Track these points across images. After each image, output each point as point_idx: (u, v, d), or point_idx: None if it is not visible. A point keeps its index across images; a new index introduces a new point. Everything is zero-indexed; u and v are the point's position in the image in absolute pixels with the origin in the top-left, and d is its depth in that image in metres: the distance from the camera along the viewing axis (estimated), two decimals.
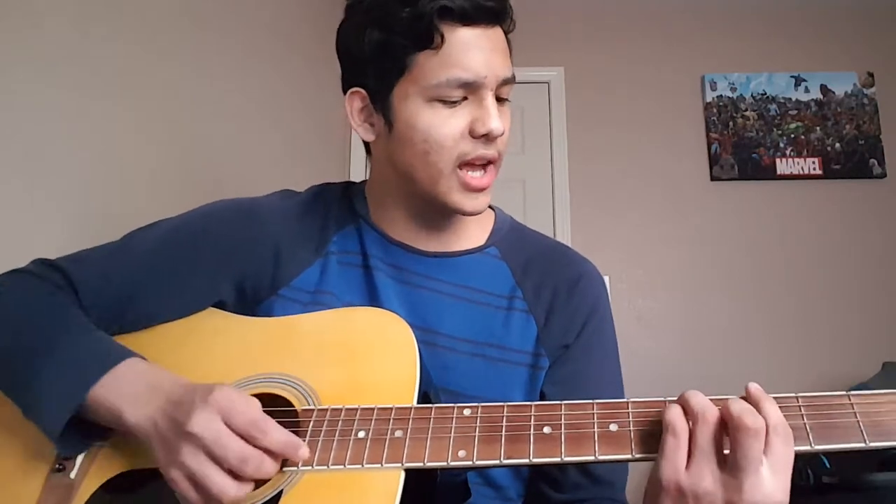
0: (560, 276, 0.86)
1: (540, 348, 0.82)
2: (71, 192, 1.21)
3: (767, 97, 3.04)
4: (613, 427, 0.58)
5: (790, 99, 3.04)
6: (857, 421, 0.55)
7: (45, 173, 1.15)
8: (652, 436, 0.57)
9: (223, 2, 1.81)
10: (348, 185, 0.93)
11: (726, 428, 0.53)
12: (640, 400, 0.60)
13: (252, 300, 0.82)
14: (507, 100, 0.79)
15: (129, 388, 0.63)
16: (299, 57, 2.33)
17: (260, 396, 0.68)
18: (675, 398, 0.58)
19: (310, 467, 0.61)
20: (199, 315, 0.80)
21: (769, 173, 2.97)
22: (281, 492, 0.60)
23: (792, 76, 3.05)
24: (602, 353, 0.86)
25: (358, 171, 2.85)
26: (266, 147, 2.07)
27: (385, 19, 0.74)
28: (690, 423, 0.54)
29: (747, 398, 0.56)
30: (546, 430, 0.59)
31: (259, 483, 0.61)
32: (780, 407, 0.54)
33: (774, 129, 3.01)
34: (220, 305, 0.82)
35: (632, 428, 0.58)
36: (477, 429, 0.60)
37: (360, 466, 0.60)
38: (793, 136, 3.00)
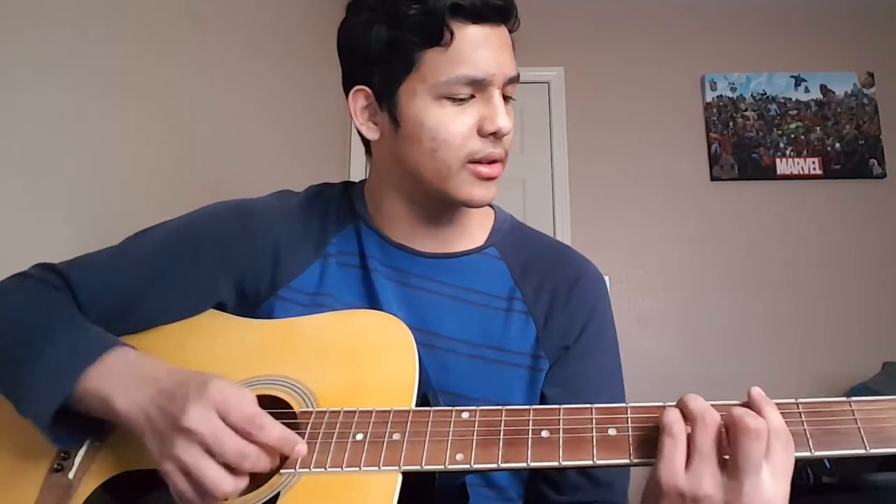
0: (560, 277, 0.85)
1: (539, 349, 0.82)
2: (71, 192, 1.21)
3: (767, 97, 3.04)
4: (612, 431, 0.58)
5: (790, 99, 3.04)
6: (858, 427, 0.55)
7: (45, 173, 1.15)
8: (650, 440, 0.57)
9: (223, 2, 1.81)
10: (347, 185, 0.93)
11: (726, 432, 0.53)
12: (639, 405, 0.59)
13: (252, 301, 0.82)
14: (511, 98, 0.79)
15: (118, 377, 0.63)
16: (299, 57, 2.33)
17: (259, 398, 0.68)
18: (674, 402, 0.57)
19: (307, 469, 0.61)
20: (199, 317, 0.80)
21: (769, 173, 2.97)
22: (278, 494, 0.60)
23: (792, 76, 3.05)
24: (602, 353, 0.85)
25: (358, 171, 2.85)
26: (266, 147, 2.07)
27: (393, 16, 0.73)
28: (689, 426, 0.54)
29: (749, 402, 0.55)
30: (544, 433, 0.59)
31: (256, 484, 0.61)
32: (780, 413, 0.54)
33: (774, 129, 3.00)
34: (221, 306, 0.82)
35: (630, 433, 0.58)
36: (475, 432, 0.60)
37: (357, 469, 0.60)
38: (793, 136, 3.00)
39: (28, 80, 1.10)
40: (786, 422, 0.54)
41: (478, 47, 0.73)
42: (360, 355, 0.71)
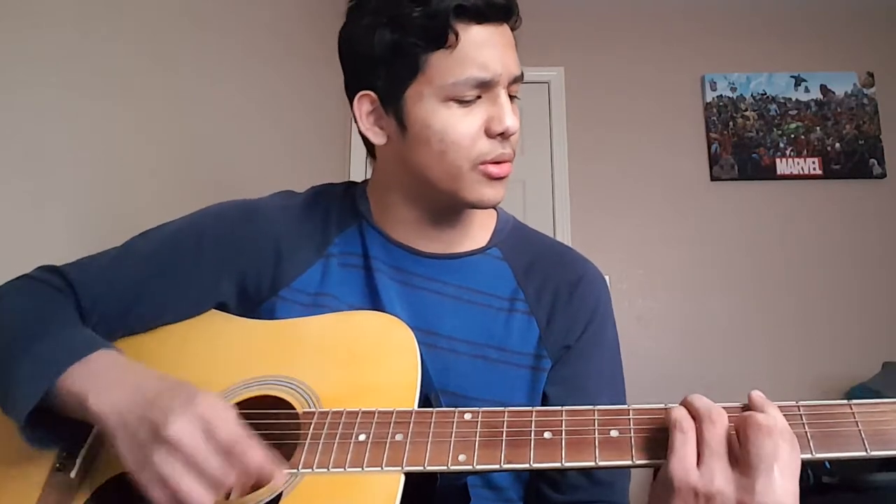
0: (562, 278, 0.85)
1: (542, 350, 0.82)
2: (71, 192, 1.21)
3: (767, 97, 3.04)
4: (614, 433, 0.58)
5: (790, 99, 3.04)
6: (859, 430, 0.55)
7: (45, 173, 1.15)
8: (652, 442, 0.57)
9: (223, 2, 1.81)
10: (349, 186, 0.92)
11: (735, 431, 0.53)
12: (641, 407, 0.59)
13: (254, 300, 0.82)
14: (516, 97, 0.79)
15: (99, 378, 0.62)
16: (299, 57, 2.33)
17: (261, 398, 0.69)
18: (676, 403, 0.58)
19: (310, 470, 0.61)
20: (200, 317, 0.81)
21: (769, 173, 2.97)
22: (280, 494, 0.60)
23: (792, 76, 3.05)
24: (603, 353, 0.86)
25: (358, 171, 2.85)
26: (266, 147, 2.07)
27: (396, 20, 0.73)
28: (696, 423, 0.54)
29: (751, 405, 0.56)
30: (547, 435, 0.59)
31: (257, 485, 0.61)
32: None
33: (774, 129, 3.00)
34: (222, 306, 0.82)
35: (633, 434, 0.58)
36: (477, 433, 0.60)
37: (360, 469, 0.60)
38: (793, 136, 3.00)
39: (28, 80, 1.10)
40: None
41: (483, 48, 0.73)
42: (362, 356, 0.71)
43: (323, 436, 0.63)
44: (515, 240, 0.90)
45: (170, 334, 0.79)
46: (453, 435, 0.61)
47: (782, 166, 2.97)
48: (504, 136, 0.75)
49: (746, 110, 3.03)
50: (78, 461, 0.66)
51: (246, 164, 1.92)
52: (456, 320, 0.81)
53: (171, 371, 0.66)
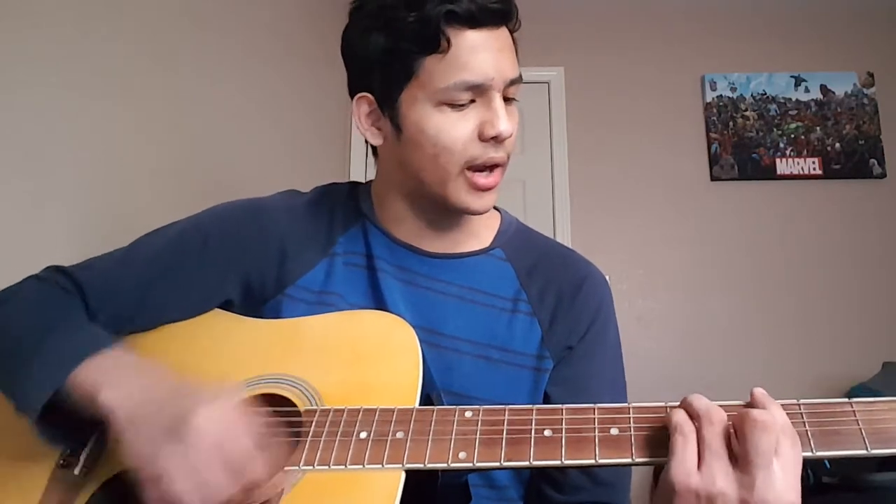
0: (564, 279, 0.86)
1: (544, 350, 0.82)
2: (71, 192, 1.21)
3: (767, 97, 3.04)
4: (614, 431, 0.58)
5: (790, 99, 3.04)
6: (860, 428, 0.55)
7: (45, 173, 1.15)
8: (653, 440, 0.57)
9: (223, 2, 1.81)
10: (354, 186, 0.93)
11: (734, 429, 0.53)
12: (641, 405, 0.60)
13: (258, 299, 0.82)
14: (514, 99, 0.79)
15: (108, 374, 0.63)
16: (299, 57, 2.33)
17: (264, 396, 0.69)
18: (678, 403, 0.58)
19: (311, 467, 0.61)
20: (204, 316, 0.81)
21: (769, 173, 2.97)
22: (282, 491, 0.60)
23: (792, 76, 3.05)
24: (605, 354, 0.86)
25: (358, 171, 2.85)
26: (266, 147, 2.07)
27: (390, 24, 0.73)
28: (696, 424, 0.54)
29: (753, 402, 0.56)
30: (547, 432, 0.59)
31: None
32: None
33: (774, 129, 3.01)
34: (227, 305, 0.82)
35: (633, 432, 0.58)
36: (478, 431, 0.60)
37: (361, 466, 0.60)
38: (793, 136, 3.00)
39: (28, 80, 1.10)
40: None
41: (476, 52, 0.72)
42: (364, 355, 0.71)
43: (324, 433, 0.63)
44: (519, 241, 0.90)
45: (175, 333, 0.80)
46: (454, 433, 0.61)
47: (782, 166, 2.97)
48: (497, 140, 0.75)
49: (746, 110, 3.03)
50: (82, 458, 0.67)
51: (246, 164, 1.93)
52: (459, 320, 0.82)
53: (176, 369, 0.67)
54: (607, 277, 0.91)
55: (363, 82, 0.79)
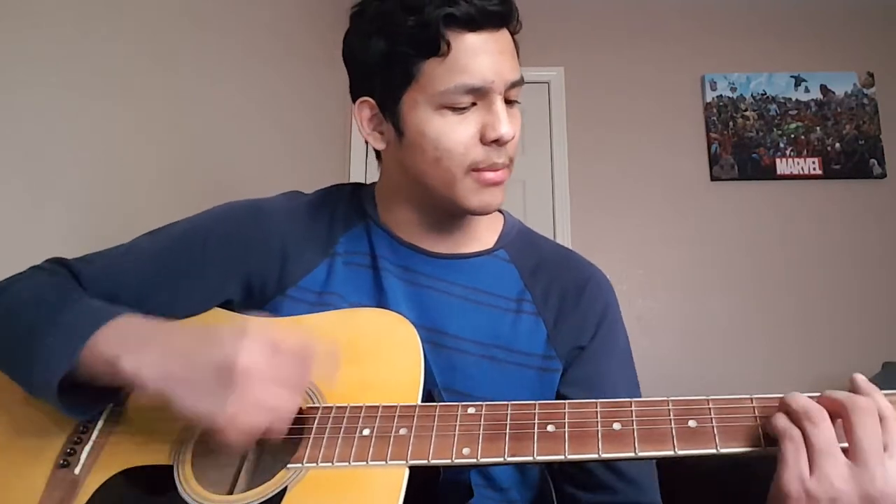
0: (569, 280, 0.86)
1: (550, 350, 0.82)
2: (71, 192, 1.21)
3: (767, 97, 3.04)
4: (617, 426, 0.59)
5: (790, 99, 3.04)
6: None
7: (45, 173, 1.15)
8: (655, 434, 0.57)
9: (223, 2, 1.81)
10: (357, 187, 0.93)
11: (841, 420, 0.52)
12: (643, 400, 0.60)
13: (259, 299, 0.82)
14: (516, 102, 0.79)
15: (126, 340, 0.63)
16: (299, 57, 2.33)
17: None
18: (679, 397, 0.58)
19: (314, 464, 0.61)
20: (204, 315, 0.81)
21: (769, 173, 2.97)
22: (286, 488, 0.60)
23: (792, 76, 3.05)
24: (618, 354, 0.86)
25: (358, 171, 2.85)
26: (266, 147, 2.07)
27: (390, 29, 0.74)
28: (800, 426, 0.53)
29: (854, 389, 0.55)
30: (550, 428, 0.60)
31: (262, 480, 0.61)
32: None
33: (774, 129, 3.01)
34: (228, 304, 0.82)
35: (635, 427, 0.58)
36: (481, 426, 0.61)
37: (364, 463, 0.60)
38: (793, 136, 3.00)
39: (28, 80, 1.10)
40: None
41: (476, 55, 0.72)
42: (365, 353, 0.71)
43: (327, 430, 0.63)
44: (522, 243, 0.90)
45: None
46: (457, 428, 0.61)
47: (782, 166, 2.97)
48: (499, 143, 0.75)
49: (746, 110, 3.03)
50: (82, 457, 0.67)
51: (246, 164, 1.93)
52: (463, 320, 0.82)
53: None
54: (607, 276, 0.91)
55: (365, 86, 0.79)
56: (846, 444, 0.52)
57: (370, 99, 0.79)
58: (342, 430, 0.63)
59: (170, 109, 1.52)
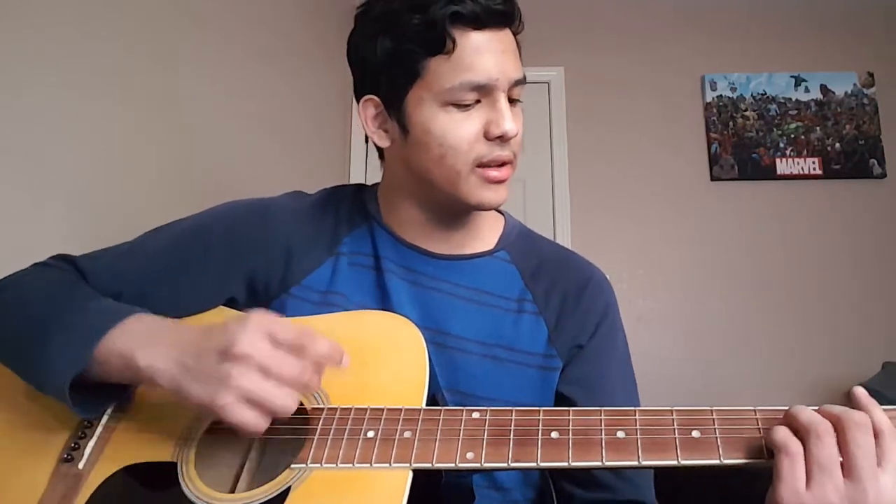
0: (569, 281, 0.87)
1: (551, 349, 0.83)
2: (71, 192, 1.21)
3: (767, 97, 3.04)
4: (621, 434, 0.59)
5: (790, 99, 3.04)
6: None
7: (45, 173, 1.14)
8: (659, 443, 0.57)
9: (223, 2, 1.80)
10: (360, 188, 0.94)
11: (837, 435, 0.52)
12: (647, 409, 0.60)
13: (263, 298, 0.83)
14: (518, 101, 0.80)
15: (140, 336, 0.64)
16: (299, 57, 2.32)
17: None
18: (683, 407, 0.58)
19: (318, 465, 0.61)
20: (208, 313, 0.81)
21: (769, 173, 2.97)
22: (289, 488, 0.60)
23: (792, 76, 3.05)
24: (616, 354, 0.87)
25: (358, 171, 2.84)
26: (266, 147, 2.07)
27: (396, 27, 0.75)
28: (802, 440, 0.53)
29: (853, 403, 0.55)
30: (554, 434, 0.60)
31: (265, 479, 0.62)
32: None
33: (774, 129, 3.01)
34: (232, 303, 0.83)
35: (639, 436, 0.58)
36: (485, 432, 0.61)
37: (368, 465, 0.60)
38: (793, 136, 3.00)
39: (28, 80, 1.10)
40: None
41: (480, 53, 0.74)
42: (370, 355, 0.71)
43: (332, 432, 0.63)
44: (522, 244, 0.91)
45: None
46: (461, 433, 0.61)
47: (782, 166, 2.97)
48: (503, 139, 0.76)
49: (746, 110, 3.03)
50: (86, 452, 0.67)
51: (246, 164, 1.92)
52: (465, 320, 0.82)
53: None
54: (607, 277, 0.91)
55: (370, 85, 0.81)
56: (841, 459, 0.52)
57: (375, 97, 0.80)
58: (346, 431, 0.63)
59: (170, 109, 1.52)
